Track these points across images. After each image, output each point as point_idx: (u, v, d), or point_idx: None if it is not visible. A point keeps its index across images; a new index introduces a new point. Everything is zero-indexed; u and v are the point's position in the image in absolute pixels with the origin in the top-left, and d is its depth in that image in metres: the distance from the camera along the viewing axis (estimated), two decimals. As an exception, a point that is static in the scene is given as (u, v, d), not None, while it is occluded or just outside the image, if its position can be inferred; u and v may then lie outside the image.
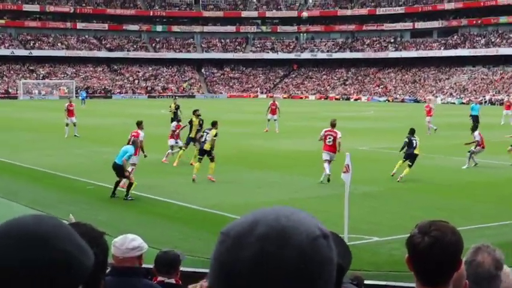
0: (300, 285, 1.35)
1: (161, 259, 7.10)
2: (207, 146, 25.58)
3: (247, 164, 30.57)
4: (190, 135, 31.07)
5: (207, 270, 13.05)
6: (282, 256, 1.34)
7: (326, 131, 26.12)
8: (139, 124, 26.19)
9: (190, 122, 31.57)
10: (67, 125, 43.06)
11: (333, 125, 26.26)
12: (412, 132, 27.49)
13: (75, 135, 42.30)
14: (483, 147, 29.90)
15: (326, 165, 25.43)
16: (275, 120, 47.37)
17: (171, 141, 31.92)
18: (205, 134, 26.28)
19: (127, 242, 6.02)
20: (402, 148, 27.01)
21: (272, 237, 1.36)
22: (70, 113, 43.46)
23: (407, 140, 27.03)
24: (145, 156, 25.81)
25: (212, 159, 25.56)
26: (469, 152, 29.57)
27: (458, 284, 3.23)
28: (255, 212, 1.45)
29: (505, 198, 22.49)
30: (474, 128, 31.20)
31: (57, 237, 1.61)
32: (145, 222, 18.36)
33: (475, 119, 46.68)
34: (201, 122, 31.36)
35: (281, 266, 1.34)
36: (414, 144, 26.78)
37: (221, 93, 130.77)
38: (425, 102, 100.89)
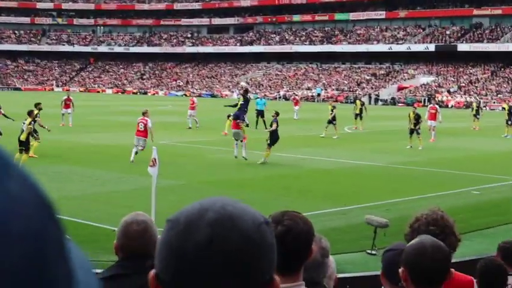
0: (247, 266, 1.46)
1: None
2: (23, 137, 26.16)
3: (47, 159, 29.92)
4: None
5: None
6: (230, 239, 1.45)
7: (139, 119, 29.28)
8: None
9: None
10: None
11: (143, 113, 29.45)
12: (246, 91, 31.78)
13: None
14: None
15: (134, 149, 28.39)
16: (69, 113, 46.76)
17: None
18: (22, 124, 26.83)
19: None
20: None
21: (221, 222, 1.46)
22: None
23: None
24: None
25: (26, 151, 26.05)
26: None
27: None
28: (201, 201, 1.54)
29: (303, 190, 23.30)
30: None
31: None
32: None
33: (260, 114, 47.37)
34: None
35: (230, 248, 1.45)
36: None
37: (15, 86, 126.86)
38: (222, 97, 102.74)
